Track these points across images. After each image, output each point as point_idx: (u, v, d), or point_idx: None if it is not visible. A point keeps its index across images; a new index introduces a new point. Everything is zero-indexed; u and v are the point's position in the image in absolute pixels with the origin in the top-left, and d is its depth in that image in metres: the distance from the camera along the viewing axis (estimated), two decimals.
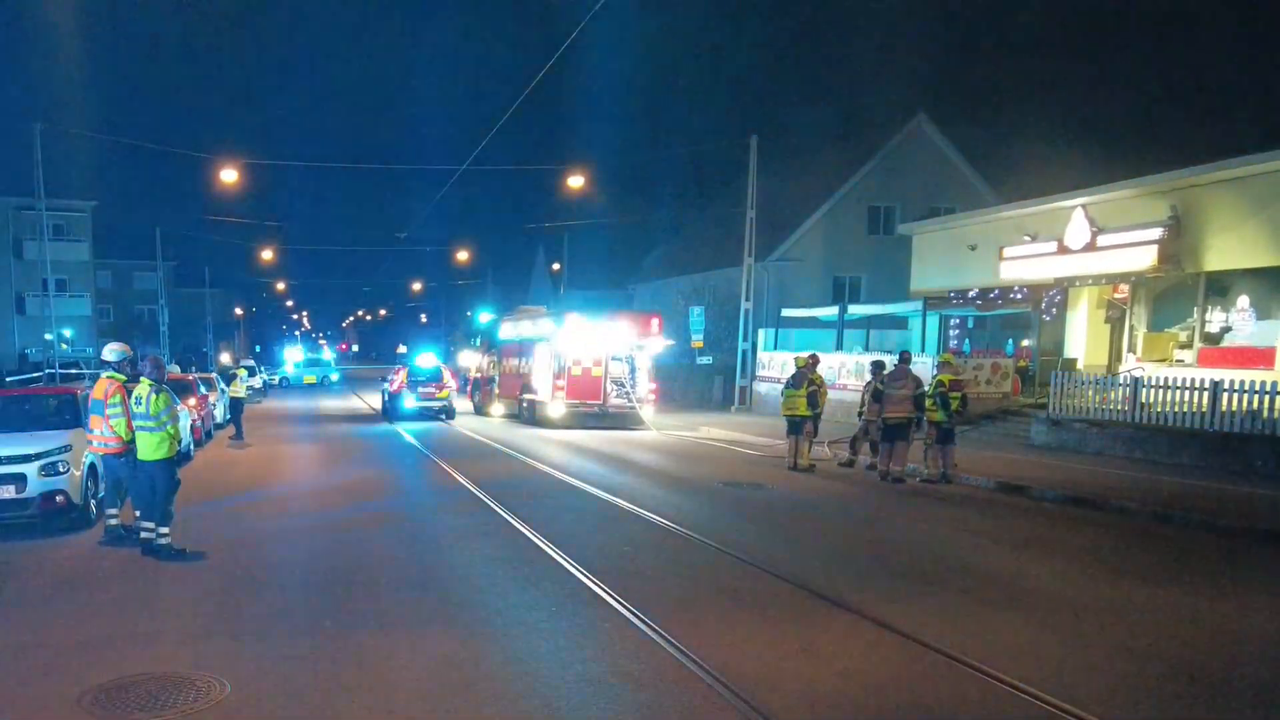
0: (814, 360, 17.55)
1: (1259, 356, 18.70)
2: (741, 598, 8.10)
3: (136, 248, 61.62)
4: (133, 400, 9.86)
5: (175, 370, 26.23)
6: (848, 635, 7.07)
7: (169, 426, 9.74)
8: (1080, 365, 23.25)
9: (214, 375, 29.71)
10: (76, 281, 59.13)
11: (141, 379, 9.93)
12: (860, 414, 17.17)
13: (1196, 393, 16.94)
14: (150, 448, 9.69)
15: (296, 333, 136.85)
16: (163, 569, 9.11)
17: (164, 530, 9.58)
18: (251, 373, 45.71)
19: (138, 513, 9.99)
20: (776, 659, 6.51)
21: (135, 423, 9.81)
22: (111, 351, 10.81)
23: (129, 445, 9.99)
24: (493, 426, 26.50)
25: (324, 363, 65.18)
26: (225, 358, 61.59)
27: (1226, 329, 20.28)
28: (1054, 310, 24.48)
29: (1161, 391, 17.64)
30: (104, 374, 10.66)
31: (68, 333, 53.41)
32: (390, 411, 29.75)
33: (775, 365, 30.28)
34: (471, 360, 36.69)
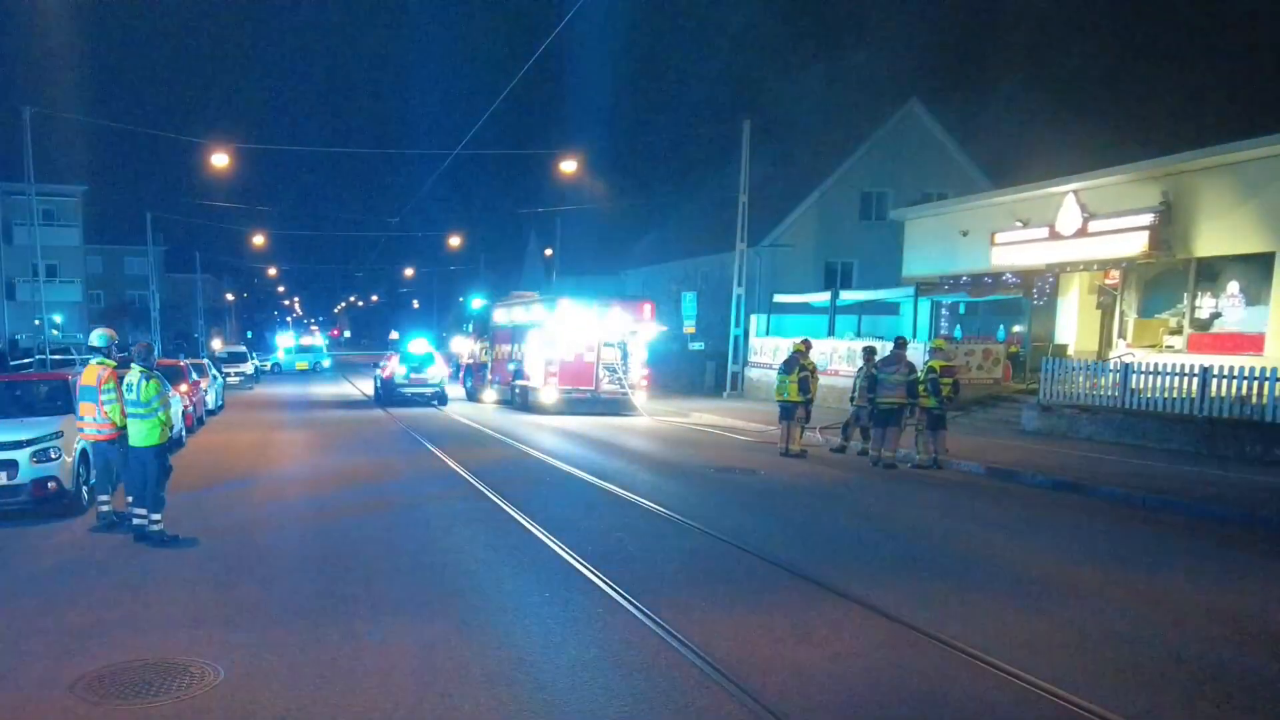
0: (807, 346, 17.58)
1: (1248, 342, 18.80)
2: (734, 583, 8.14)
3: (127, 233, 61.35)
4: (124, 387, 9.85)
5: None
6: (840, 620, 7.11)
7: (160, 413, 9.72)
8: (1071, 351, 23.33)
9: (205, 361, 29.69)
10: (67, 267, 58.91)
11: (132, 365, 9.91)
12: (853, 399, 17.25)
13: (1186, 378, 17.01)
14: (142, 434, 9.68)
15: (288, 318, 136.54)
16: (155, 555, 9.11)
17: (156, 516, 9.59)
18: (243, 358, 45.63)
19: (130, 499, 9.99)
20: (769, 643, 6.55)
21: (127, 409, 9.80)
22: (98, 337, 10.78)
23: (122, 431, 9.99)
24: (485, 412, 26.50)
25: (316, 349, 65.06)
26: (217, 343, 61.48)
27: (1216, 315, 20.37)
28: (1045, 296, 24.55)
29: (1151, 377, 17.72)
30: (93, 360, 10.64)
31: (58, 318, 53.20)
32: (383, 397, 29.73)
33: (767, 351, 30.34)
34: (464, 346, 36.64)
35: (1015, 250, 24.30)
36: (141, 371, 9.75)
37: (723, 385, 32.27)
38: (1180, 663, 6.28)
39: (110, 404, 10.09)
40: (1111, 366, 19.02)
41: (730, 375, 31.91)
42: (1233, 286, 20.04)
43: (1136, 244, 20.61)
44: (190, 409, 20.33)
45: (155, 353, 10.42)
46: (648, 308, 25.60)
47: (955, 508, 12.09)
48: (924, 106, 35.46)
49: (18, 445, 10.60)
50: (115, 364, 10.44)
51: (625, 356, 25.41)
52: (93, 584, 8.13)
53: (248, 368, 44.19)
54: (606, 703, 5.53)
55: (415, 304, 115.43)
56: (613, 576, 8.07)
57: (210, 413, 24.81)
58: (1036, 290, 24.39)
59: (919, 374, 15.71)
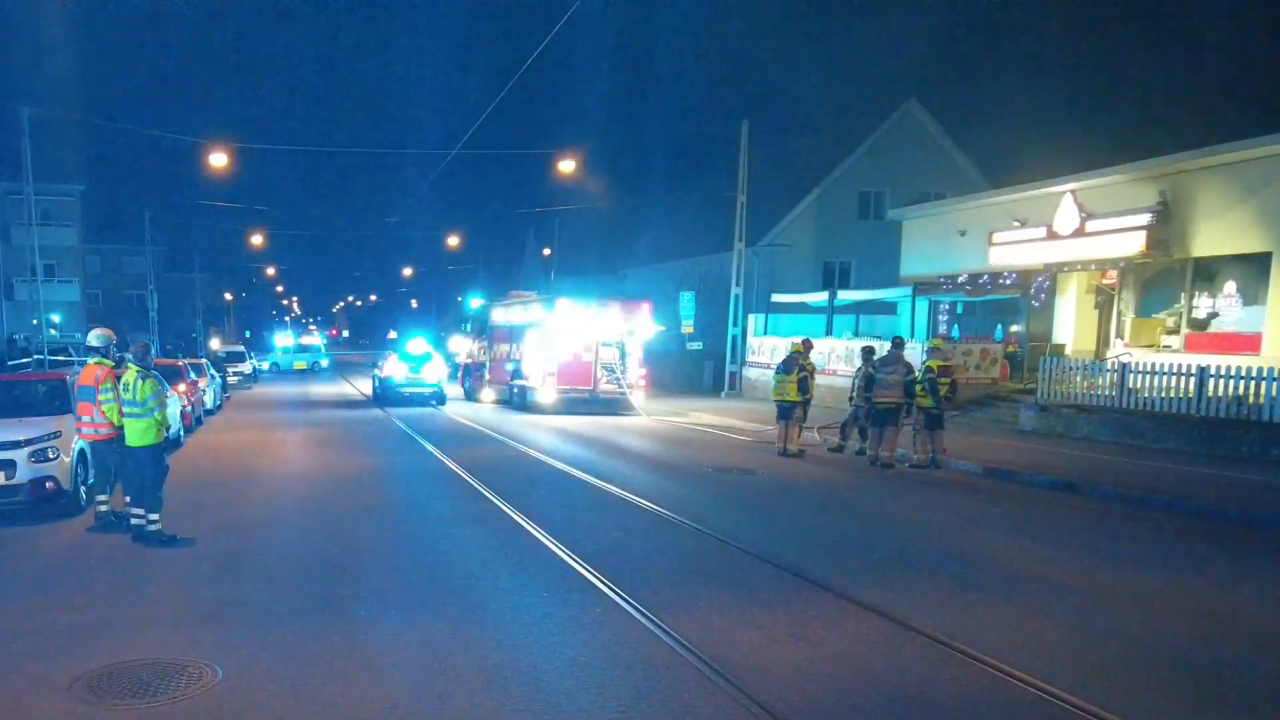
0: (807, 345, 17.61)
1: (1245, 342, 18.82)
2: (731, 582, 8.15)
3: (125, 232, 61.36)
4: (120, 387, 9.86)
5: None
6: (837, 619, 7.12)
7: (156, 413, 9.72)
8: (1069, 351, 23.36)
9: (204, 361, 29.71)
10: (65, 266, 58.85)
11: (128, 365, 9.91)
12: (850, 399, 17.27)
13: (1183, 378, 17.06)
14: (138, 434, 9.68)
15: (287, 318, 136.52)
16: (153, 555, 9.12)
17: (153, 516, 9.59)
18: (241, 358, 45.68)
19: (128, 499, 9.99)
20: (766, 643, 6.56)
21: (123, 409, 9.80)
22: (96, 337, 10.78)
23: (120, 431, 9.98)
24: (483, 412, 26.51)
25: (314, 348, 65.04)
26: (215, 343, 61.47)
27: (1213, 315, 20.40)
28: (1043, 296, 24.58)
29: (1149, 377, 17.75)
30: (90, 360, 10.64)
31: (56, 318, 53.17)
32: (381, 397, 29.74)
33: (765, 350, 30.36)
34: (462, 346, 36.65)
35: (1013, 250, 24.34)
36: (138, 371, 9.75)
37: (721, 385, 32.27)
38: (1178, 662, 6.30)
39: (108, 404, 10.10)
40: (1109, 366, 19.06)
41: (728, 375, 31.93)
42: (1230, 286, 20.07)
43: (1134, 244, 20.64)
44: (188, 409, 20.35)
45: (152, 353, 10.42)
46: (646, 307, 25.62)
47: (952, 507, 12.10)
48: (922, 106, 35.49)
49: (16, 445, 10.61)
50: (113, 364, 10.45)
51: (623, 356, 25.42)
52: (91, 584, 8.14)
53: (246, 367, 44.32)
54: (604, 703, 5.54)
55: (414, 303, 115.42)
56: (610, 576, 8.08)
57: (208, 412, 24.83)
58: (1034, 290, 24.43)
59: (916, 374, 15.73)
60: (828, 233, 35.69)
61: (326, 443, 19.04)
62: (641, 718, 5.36)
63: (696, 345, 35.35)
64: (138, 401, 9.64)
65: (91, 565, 8.81)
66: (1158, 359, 18.46)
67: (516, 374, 27.18)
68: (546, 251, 58.33)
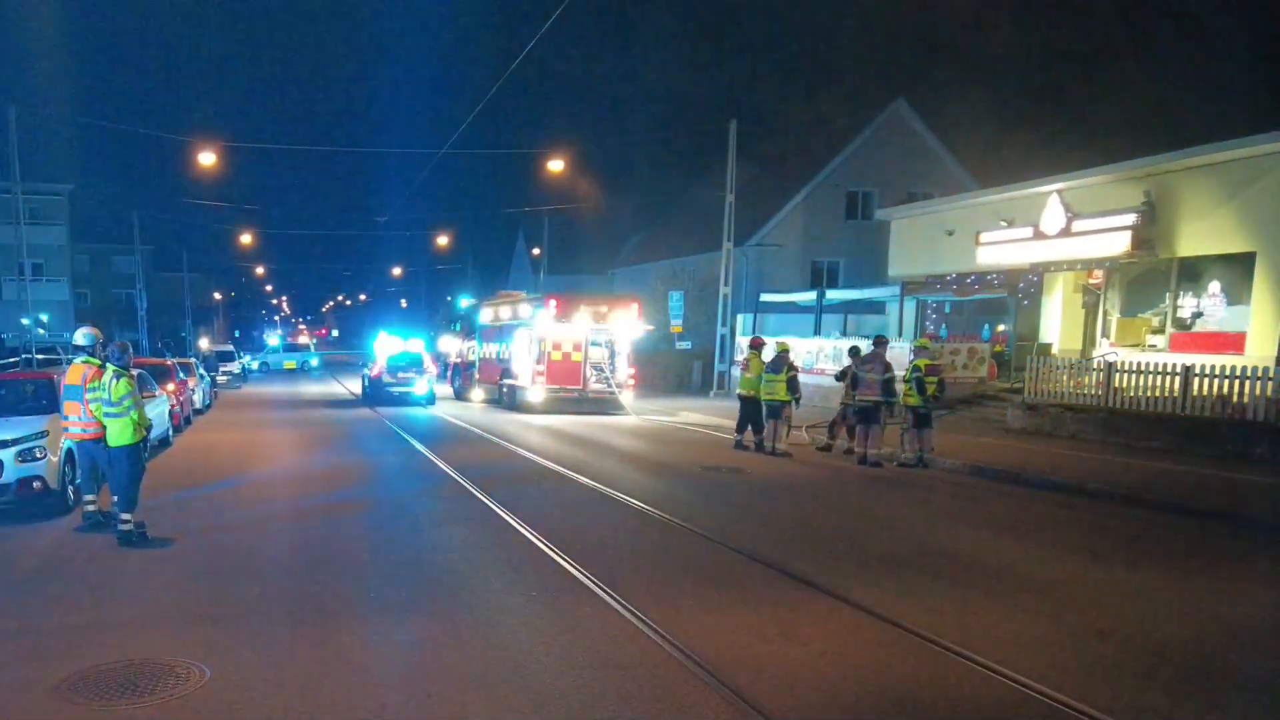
0: (757, 344, 17.83)
1: (1229, 341, 18.94)
2: (721, 582, 8.18)
3: (114, 232, 61.22)
4: (100, 386, 9.84)
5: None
6: (826, 618, 7.16)
7: (132, 412, 9.68)
8: (1055, 350, 23.48)
9: (193, 360, 29.64)
10: (54, 265, 58.63)
11: (106, 364, 9.90)
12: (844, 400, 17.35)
13: (1168, 377, 17.16)
14: (114, 433, 9.67)
15: (276, 318, 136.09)
16: (142, 556, 9.08)
17: (125, 515, 9.54)
18: (230, 358, 45.60)
19: (114, 499, 9.96)
20: (755, 642, 6.59)
21: (102, 408, 9.78)
22: (83, 336, 10.75)
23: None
24: (473, 412, 26.50)
25: (304, 348, 64.91)
26: (204, 342, 61.27)
27: (1198, 314, 20.52)
28: (1030, 295, 24.69)
29: (1134, 376, 17.86)
30: (78, 359, 10.61)
31: (44, 317, 52.93)
32: (370, 397, 29.72)
33: None
34: (452, 345, 36.64)
35: (1000, 250, 24.42)
36: (114, 371, 9.74)
37: (709, 384, 32.32)
38: (1165, 659, 6.35)
39: (95, 403, 10.08)
40: (1095, 365, 19.16)
41: (717, 374, 31.97)
42: (1214, 286, 20.19)
43: (1119, 244, 20.74)
44: (177, 408, 20.30)
45: (130, 352, 10.38)
46: (635, 307, 25.66)
47: (940, 505, 12.17)
48: (910, 107, 35.64)
49: (3, 445, 10.57)
50: (100, 362, 10.43)
51: (612, 356, 25.46)
52: (78, 584, 8.11)
53: (235, 367, 44.27)
54: (594, 703, 5.56)
55: (403, 303, 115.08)
56: (600, 575, 8.10)
57: (198, 412, 24.77)
58: (1021, 289, 24.55)
59: (903, 372, 15.83)
60: (816, 232, 35.81)
61: (315, 442, 19.01)
62: (632, 717, 5.38)
63: (685, 345, 35.42)
64: (113, 400, 9.64)
65: (78, 565, 8.78)
66: (1143, 358, 18.58)
67: (506, 373, 27.20)
68: (536, 251, 58.27)
